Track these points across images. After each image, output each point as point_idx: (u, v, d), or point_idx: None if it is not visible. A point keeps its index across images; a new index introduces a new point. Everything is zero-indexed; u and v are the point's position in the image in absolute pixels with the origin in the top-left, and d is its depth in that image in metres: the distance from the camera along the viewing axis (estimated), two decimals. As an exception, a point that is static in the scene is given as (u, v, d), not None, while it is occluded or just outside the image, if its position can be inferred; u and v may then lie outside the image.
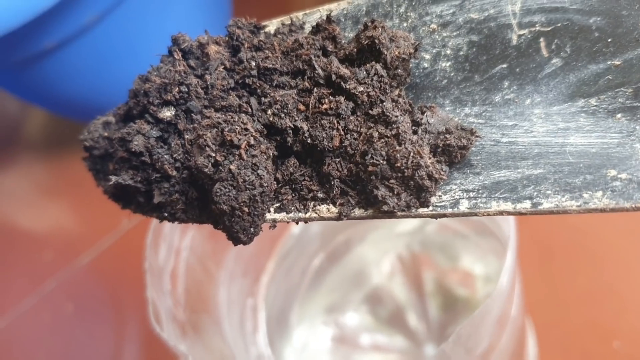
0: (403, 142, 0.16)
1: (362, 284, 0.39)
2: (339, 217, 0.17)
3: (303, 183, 0.17)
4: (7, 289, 0.54)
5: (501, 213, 0.16)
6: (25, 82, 0.49)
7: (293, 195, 0.17)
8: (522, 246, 0.42)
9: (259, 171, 0.16)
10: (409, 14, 0.19)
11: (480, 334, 0.24)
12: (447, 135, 0.17)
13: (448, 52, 0.18)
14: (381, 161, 0.16)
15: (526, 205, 0.16)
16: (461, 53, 0.18)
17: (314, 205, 0.17)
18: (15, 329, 0.51)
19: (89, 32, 0.43)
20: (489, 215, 0.16)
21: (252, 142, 0.16)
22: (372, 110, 0.16)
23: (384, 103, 0.16)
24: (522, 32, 0.18)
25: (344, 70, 0.17)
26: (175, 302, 0.29)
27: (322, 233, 0.39)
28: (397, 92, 0.18)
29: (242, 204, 0.16)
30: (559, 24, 0.17)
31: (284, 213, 0.17)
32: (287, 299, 0.38)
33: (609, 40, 0.17)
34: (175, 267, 0.30)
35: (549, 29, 0.18)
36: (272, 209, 0.17)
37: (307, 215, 0.17)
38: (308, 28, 0.19)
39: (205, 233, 0.32)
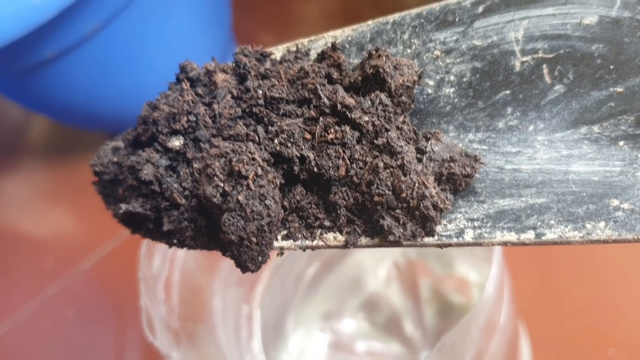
0: (408, 172, 0.16)
1: (359, 290, 0.39)
2: (345, 246, 0.17)
3: (310, 211, 0.18)
4: (8, 294, 0.54)
5: (505, 243, 0.16)
6: (28, 91, 0.49)
7: (300, 222, 0.18)
8: (520, 254, 0.43)
9: (266, 201, 0.16)
10: (412, 40, 0.19)
11: (466, 343, 0.24)
12: (452, 164, 0.17)
13: (452, 78, 0.19)
14: (387, 191, 0.16)
15: (530, 235, 0.16)
16: (465, 79, 0.18)
17: (321, 233, 0.17)
18: (16, 334, 0.51)
19: (90, 42, 0.43)
20: (493, 245, 0.16)
21: (260, 172, 0.16)
22: (377, 139, 0.17)
23: (389, 132, 0.17)
24: (525, 58, 0.18)
25: (349, 100, 0.17)
26: (169, 310, 0.30)
27: None
28: (401, 118, 0.18)
29: (250, 234, 0.16)
30: (562, 51, 0.18)
31: (291, 240, 0.18)
32: (283, 306, 0.38)
33: (611, 67, 0.17)
34: (169, 275, 0.31)
35: (551, 55, 0.18)
36: (279, 237, 0.18)
37: (314, 243, 0.17)
38: (313, 55, 0.20)
39: None
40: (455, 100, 0.18)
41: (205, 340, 0.31)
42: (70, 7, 0.38)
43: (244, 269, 0.17)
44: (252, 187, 0.16)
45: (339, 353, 0.37)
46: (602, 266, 0.41)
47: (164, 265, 0.30)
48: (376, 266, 0.40)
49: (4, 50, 0.37)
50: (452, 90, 0.19)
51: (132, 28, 0.45)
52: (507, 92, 0.18)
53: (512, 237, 0.16)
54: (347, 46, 0.19)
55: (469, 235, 0.17)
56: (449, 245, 0.17)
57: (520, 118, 0.18)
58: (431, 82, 0.19)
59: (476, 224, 0.17)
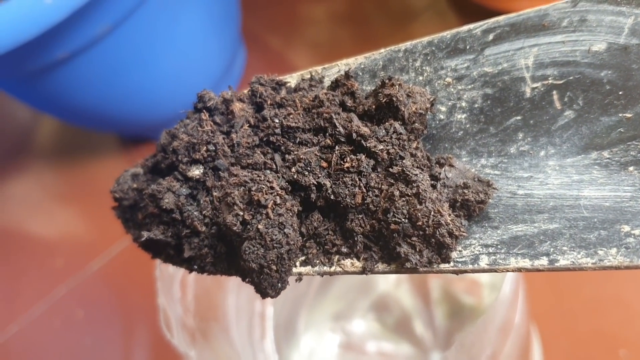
0: (423, 200, 0.16)
1: (369, 291, 0.39)
2: (362, 272, 0.18)
3: (327, 237, 0.18)
4: (18, 295, 0.55)
5: (519, 270, 0.17)
6: (38, 92, 0.50)
7: (318, 249, 0.18)
8: None
9: (285, 230, 0.17)
10: (424, 68, 0.19)
11: (483, 342, 0.24)
12: (465, 190, 0.17)
13: (463, 104, 0.19)
14: (403, 219, 0.16)
15: (543, 262, 0.16)
16: (476, 105, 0.19)
17: (338, 260, 0.18)
18: (26, 334, 0.51)
19: (101, 43, 0.44)
20: (507, 271, 0.17)
21: (278, 200, 0.17)
22: (392, 168, 0.17)
23: (404, 160, 0.17)
24: (535, 85, 0.18)
25: (364, 129, 0.18)
26: (185, 309, 0.30)
27: None
28: (415, 144, 0.18)
29: (270, 262, 0.17)
30: (571, 77, 0.18)
31: (310, 266, 0.18)
32: (295, 307, 0.39)
33: (620, 93, 0.18)
34: (184, 275, 0.31)
35: (561, 82, 0.18)
36: (297, 263, 0.18)
37: (332, 269, 0.18)
38: (327, 82, 0.20)
39: None
40: (467, 125, 0.19)
41: (219, 339, 0.31)
42: (82, 9, 0.38)
43: (264, 295, 0.17)
44: (272, 216, 0.17)
45: (349, 353, 0.37)
46: None
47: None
48: None
49: (15, 51, 0.38)
50: (464, 116, 0.19)
51: (142, 30, 0.45)
52: (518, 117, 0.18)
53: (526, 263, 0.17)
54: (360, 73, 0.20)
55: (483, 262, 0.17)
56: (465, 271, 0.17)
57: (532, 143, 0.18)
58: (443, 109, 0.19)
59: (491, 250, 0.17)
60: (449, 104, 0.19)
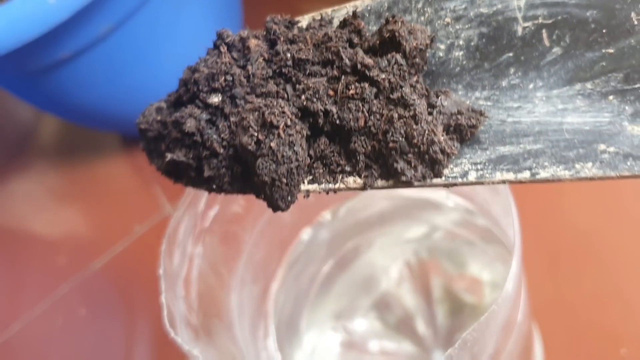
0: (419, 121, 0.18)
1: (371, 290, 0.40)
2: (363, 187, 0.19)
3: (332, 159, 0.20)
4: (21, 293, 0.56)
5: (504, 182, 0.18)
6: (39, 91, 0.50)
7: (324, 169, 0.20)
8: (529, 251, 0.42)
9: (295, 148, 0.19)
10: (425, 9, 0.21)
11: (485, 340, 0.25)
12: (459, 116, 0.19)
13: (461, 42, 0.21)
14: (400, 139, 0.18)
15: (526, 174, 0.18)
16: (472, 43, 0.21)
17: (342, 178, 0.20)
18: (29, 332, 0.52)
19: (104, 42, 0.44)
20: (493, 183, 0.18)
21: (289, 122, 0.19)
22: (392, 94, 0.19)
23: (403, 88, 0.19)
24: (526, 24, 0.20)
25: (368, 60, 0.19)
26: (189, 307, 0.31)
27: (331, 240, 0.40)
28: (415, 78, 0.20)
29: (281, 176, 0.18)
30: (559, 17, 0.20)
31: (316, 184, 0.20)
32: (297, 305, 0.39)
33: (604, 31, 0.19)
34: (188, 272, 0.32)
35: (550, 21, 0.20)
36: (306, 181, 0.20)
37: (336, 186, 0.20)
38: (336, 23, 0.22)
39: (216, 242, 0.34)
40: (464, 62, 0.21)
41: (223, 337, 0.32)
42: (85, 9, 0.39)
43: (275, 207, 0.19)
44: (283, 136, 0.19)
45: (351, 352, 0.38)
46: (610, 261, 0.41)
47: (183, 262, 0.32)
48: (388, 266, 0.40)
49: (18, 51, 0.38)
50: (461, 53, 0.21)
51: (144, 28, 0.46)
52: (510, 54, 0.20)
53: (510, 176, 0.18)
54: (367, 14, 0.22)
55: (472, 176, 0.19)
56: (455, 184, 0.19)
57: (522, 77, 0.20)
58: (442, 47, 0.21)
59: (479, 167, 0.19)
60: (448, 42, 0.21)
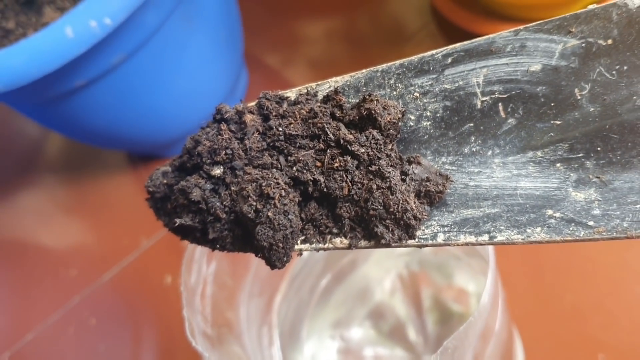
0: (394, 192, 0.21)
1: (366, 300, 0.43)
2: (349, 247, 0.23)
3: (321, 221, 0.23)
4: (35, 304, 0.58)
5: (467, 244, 0.21)
6: (53, 116, 0.53)
7: (314, 230, 0.23)
8: (514, 263, 0.45)
9: (289, 216, 0.22)
10: (397, 85, 0.24)
11: (465, 347, 0.27)
12: (428, 183, 0.22)
13: (428, 114, 0.24)
14: (379, 207, 0.21)
15: (485, 238, 0.21)
16: (438, 115, 0.24)
17: (330, 238, 0.23)
18: (42, 340, 0.55)
19: (115, 71, 0.47)
20: (458, 245, 0.22)
21: (283, 193, 0.22)
22: (371, 166, 0.22)
23: (380, 161, 0.22)
24: (484, 98, 0.23)
25: (350, 136, 0.22)
26: (204, 319, 0.34)
27: (328, 255, 0.43)
28: (390, 146, 0.23)
29: (278, 241, 0.21)
30: (513, 92, 0.23)
31: (308, 244, 0.23)
32: (298, 315, 0.42)
33: (552, 104, 0.22)
34: (203, 289, 0.35)
35: (505, 96, 0.23)
36: (299, 241, 0.23)
37: (325, 245, 0.23)
38: (320, 95, 0.25)
39: (226, 262, 0.37)
40: (431, 131, 0.24)
41: (234, 345, 0.35)
42: (101, 41, 0.42)
43: (272, 266, 0.22)
44: (278, 205, 0.22)
45: (348, 358, 0.41)
46: (592, 272, 0.44)
47: (199, 280, 0.35)
48: (382, 278, 0.43)
49: (36, 81, 0.41)
50: (428, 123, 0.24)
51: (154, 58, 0.49)
52: (471, 124, 0.23)
53: (472, 239, 0.21)
54: (346, 89, 0.25)
55: (440, 238, 0.22)
56: (426, 245, 0.22)
57: (481, 145, 0.23)
58: (412, 117, 0.24)
59: (446, 229, 0.22)
60: (417, 113, 0.24)
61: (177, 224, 0.23)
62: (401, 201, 0.21)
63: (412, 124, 0.24)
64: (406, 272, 0.43)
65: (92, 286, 0.57)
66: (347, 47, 0.69)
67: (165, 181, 0.25)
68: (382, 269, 0.44)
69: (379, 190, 0.22)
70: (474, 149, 0.23)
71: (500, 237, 0.21)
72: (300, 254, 0.23)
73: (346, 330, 0.42)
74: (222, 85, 0.59)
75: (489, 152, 0.23)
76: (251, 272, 0.39)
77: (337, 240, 0.23)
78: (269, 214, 0.21)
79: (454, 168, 0.23)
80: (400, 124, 0.24)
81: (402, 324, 0.41)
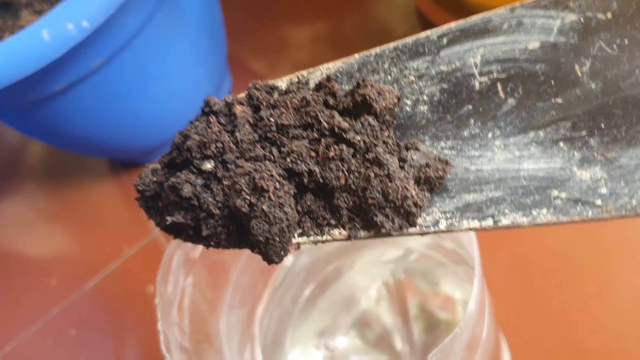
0: (393, 179, 0.20)
1: (351, 309, 0.42)
2: (348, 238, 0.22)
3: (319, 213, 0.22)
4: (15, 314, 0.57)
5: (470, 229, 0.21)
6: (31, 121, 0.52)
7: (311, 223, 0.22)
8: (502, 270, 0.45)
9: (284, 209, 0.21)
10: (392, 69, 0.23)
11: (450, 358, 0.27)
12: (427, 169, 0.21)
13: (425, 98, 0.23)
14: (378, 195, 0.21)
15: (489, 222, 0.21)
16: (435, 98, 0.23)
17: (328, 230, 0.22)
18: (21, 352, 0.54)
19: (95, 75, 0.46)
20: (461, 231, 0.21)
21: (277, 185, 0.21)
22: (368, 154, 0.21)
23: (377, 148, 0.21)
24: (482, 79, 0.22)
25: (344, 124, 0.22)
26: (182, 332, 0.33)
27: (311, 264, 0.43)
28: (387, 133, 0.22)
29: (274, 235, 0.21)
30: (512, 71, 0.22)
31: (305, 237, 0.22)
32: (281, 326, 0.41)
33: (552, 82, 0.22)
34: (181, 301, 0.34)
35: (504, 75, 0.22)
36: (296, 235, 0.22)
37: (324, 238, 0.22)
38: (312, 84, 0.24)
39: (205, 272, 0.36)
40: (429, 115, 0.23)
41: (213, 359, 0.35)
42: (78, 45, 0.41)
43: (270, 261, 0.21)
44: (273, 198, 0.21)
45: None
46: (579, 277, 0.44)
47: (176, 292, 0.34)
48: (368, 286, 0.43)
49: (13, 85, 0.40)
50: (425, 107, 0.23)
51: (134, 62, 0.48)
52: (470, 107, 0.22)
53: (475, 224, 0.21)
54: (339, 75, 0.24)
55: (442, 225, 0.21)
56: (428, 232, 0.21)
57: (481, 127, 0.22)
58: (409, 102, 0.23)
59: (448, 215, 0.21)
60: (413, 98, 0.23)
61: (169, 222, 0.22)
62: (400, 188, 0.20)
63: (408, 109, 0.23)
64: (392, 280, 0.42)
65: (73, 296, 0.56)
66: (333, 51, 0.69)
67: (154, 179, 0.24)
68: (367, 277, 0.43)
69: (377, 178, 0.21)
70: (473, 132, 0.22)
71: (505, 221, 0.20)
72: (298, 248, 0.22)
73: (331, 339, 0.41)
74: (205, 90, 0.58)
75: (490, 135, 0.22)
76: (231, 283, 0.39)
77: (336, 231, 0.22)
78: (264, 207, 0.21)
79: (453, 152, 0.22)
80: (396, 109, 0.23)
81: (388, 332, 0.41)
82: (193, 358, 0.32)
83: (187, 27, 0.52)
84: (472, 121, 0.22)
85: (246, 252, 0.39)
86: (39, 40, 0.39)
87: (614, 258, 0.44)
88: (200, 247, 0.36)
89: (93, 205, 0.64)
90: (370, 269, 0.43)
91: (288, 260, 0.42)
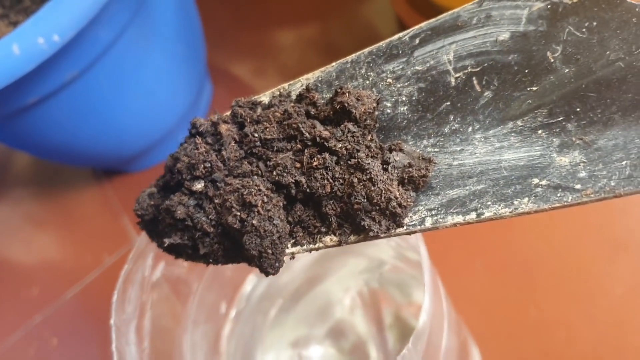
0: (376, 183, 0.21)
1: (326, 319, 0.42)
2: (339, 244, 0.22)
3: (309, 222, 0.23)
4: None
5: (455, 225, 0.21)
6: (8, 132, 0.52)
7: (303, 232, 0.23)
8: (478, 280, 0.45)
9: (274, 221, 0.21)
10: (369, 73, 0.24)
11: None
12: (410, 169, 0.22)
13: (404, 98, 0.23)
14: (362, 200, 0.21)
15: (472, 216, 0.21)
16: (414, 98, 0.23)
17: (320, 237, 0.22)
18: None
19: (69, 88, 0.46)
20: (446, 227, 0.21)
21: (265, 199, 0.22)
22: (350, 160, 0.22)
23: (359, 153, 0.22)
24: (457, 74, 0.23)
25: (325, 133, 0.22)
26: (141, 352, 0.33)
27: (281, 278, 0.43)
28: (369, 137, 0.23)
29: (266, 248, 0.21)
30: (486, 64, 0.22)
31: (299, 246, 0.23)
32: (252, 339, 0.41)
33: (526, 71, 0.22)
34: (140, 321, 0.34)
35: (478, 69, 0.22)
36: (289, 245, 0.23)
37: (316, 245, 0.23)
38: (294, 95, 0.25)
39: (167, 289, 0.36)
40: (409, 115, 0.23)
41: None
42: (50, 59, 0.41)
43: (266, 273, 0.22)
44: (262, 212, 0.21)
45: None
46: (555, 288, 0.44)
47: (135, 312, 0.34)
48: (342, 296, 0.42)
49: None
50: (405, 108, 0.23)
51: (108, 74, 0.48)
52: (448, 103, 0.23)
53: (459, 219, 0.21)
54: (319, 85, 0.24)
55: (428, 222, 0.22)
56: (415, 231, 0.22)
57: (461, 122, 0.23)
58: (389, 104, 0.24)
59: (433, 212, 0.22)
60: (392, 100, 0.24)
61: (167, 245, 0.23)
62: (384, 191, 0.21)
63: (389, 111, 0.24)
64: (366, 290, 0.42)
65: (54, 305, 0.57)
66: (319, 55, 0.68)
67: (152, 202, 0.25)
68: (341, 287, 0.43)
69: (361, 184, 0.21)
70: (454, 128, 0.23)
71: (487, 213, 0.21)
72: (293, 257, 0.23)
73: (305, 349, 0.41)
74: (184, 99, 0.59)
75: (470, 129, 0.22)
76: (195, 299, 0.38)
77: (327, 238, 0.23)
78: (254, 222, 0.21)
79: (436, 150, 0.23)
80: (376, 113, 0.23)
81: (363, 341, 0.40)
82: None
83: (163, 38, 0.52)
84: (451, 117, 0.23)
85: (210, 268, 0.39)
86: (9, 54, 0.39)
87: (591, 268, 0.44)
88: (159, 266, 0.36)
89: (75, 213, 0.65)
90: (343, 279, 0.43)
91: (252, 278, 0.42)
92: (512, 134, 0.22)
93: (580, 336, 0.42)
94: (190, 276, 0.38)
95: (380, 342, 0.40)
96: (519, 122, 0.22)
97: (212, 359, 0.39)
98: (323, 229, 0.22)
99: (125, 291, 0.33)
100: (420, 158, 0.22)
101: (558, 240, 0.46)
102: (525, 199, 0.20)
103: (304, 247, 0.23)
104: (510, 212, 0.21)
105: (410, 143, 0.23)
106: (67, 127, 0.51)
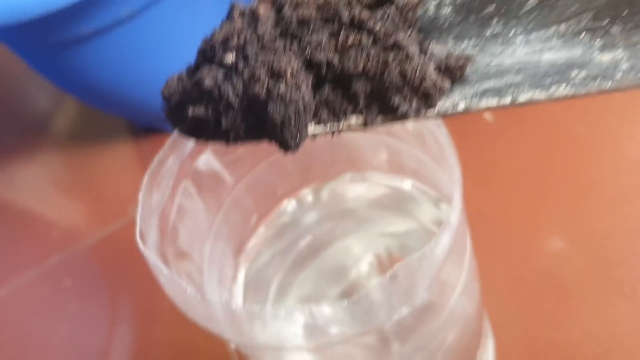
0: (412, 60, 0.20)
1: (340, 279, 0.41)
2: (364, 124, 0.22)
3: (336, 103, 0.22)
4: (12, 260, 0.58)
5: (488, 108, 0.20)
6: (57, 65, 0.52)
7: (328, 112, 0.22)
8: (498, 271, 0.46)
9: (301, 89, 0.21)
10: None
11: (416, 277, 0.26)
12: (448, 60, 0.21)
13: (448, 1, 0.23)
14: (396, 76, 0.21)
15: (507, 100, 0.20)
16: (458, 1, 0.23)
17: (345, 118, 0.22)
18: (15, 297, 0.55)
19: (124, 25, 0.46)
20: (479, 110, 0.21)
21: (296, 68, 0.21)
22: (387, 41, 0.21)
23: (398, 34, 0.21)
24: None
25: (365, 13, 0.22)
26: (162, 235, 0.32)
27: (312, 219, 0.42)
28: (408, 32, 0.22)
29: (290, 116, 0.21)
30: None
31: (322, 125, 0.22)
32: (267, 275, 0.40)
33: None
34: (166, 208, 0.33)
35: None
36: (312, 125, 0.22)
37: (340, 126, 0.22)
38: None
39: (195, 190, 0.35)
40: (452, 17, 0.23)
41: (191, 274, 0.33)
42: None
43: (286, 147, 0.21)
44: (289, 81, 0.21)
45: (313, 335, 0.37)
46: (574, 286, 0.44)
47: (162, 201, 0.33)
48: (360, 257, 0.41)
49: (42, 20, 0.40)
50: (449, 9, 0.23)
51: (164, 19, 0.48)
52: (493, 7, 0.22)
53: (493, 102, 0.20)
54: None
55: (461, 106, 0.21)
56: (446, 115, 0.21)
57: (503, 26, 0.22)
58: (431, 7, 0.23)
59: (467, 97, 0.21)
60: (436, 1, 0.23)
61: (190, 114, 0.23)
62: (420, 66, 0.20)
63: (431, 13, 0.23)
64: (385, 254, 0.40)
65: (73, 249, 0.57)
66: None
67: (180, 86, 0.25)
68: (361, 247, 0.41)
69: (395, 61, 0.21)
70: (496, 31, 0.22)
71: (522, 98, 0.20)
72: (315, 138, 0.22)
73: (316, 305, 0.40)
74: None
75: (512, 32, 0.22)
76: (222, 211, 0.37)
77: (352, 119, 0.22)
78: (281, 88, 0.21)
79: (476, 50, 0.22)
80: (419, 10, 0.23)
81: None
82: (171, 265, 0.31)
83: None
84: (494, 21, 0.22)
85: (241, 186, 0.38)
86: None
87: (614, 269, 0.44)
88: (199, 161, 0.35)
89: (107, 169, 0.65)
90: (368, 238, 0.42)
91: (290, 205, 0.41)
92: (554, 38, 0.21)
93: (595, 336, 0.41)
94: (221, 188, 0.37)
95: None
96: (562, 27, 0.21)
97: (226, 278, 0.38)
98: (349, 109, 0.22)
99: (156, 176, 0.33)
100: (458, 54, 0.22)
101: (584, 239, 0.46)
102: (563, 85, 0.20)
103: (327, 127, 0.22)
104: (545, 96, 0.20)
105: (449, 44, 0.23)
106: (116, 68, 0.51)
